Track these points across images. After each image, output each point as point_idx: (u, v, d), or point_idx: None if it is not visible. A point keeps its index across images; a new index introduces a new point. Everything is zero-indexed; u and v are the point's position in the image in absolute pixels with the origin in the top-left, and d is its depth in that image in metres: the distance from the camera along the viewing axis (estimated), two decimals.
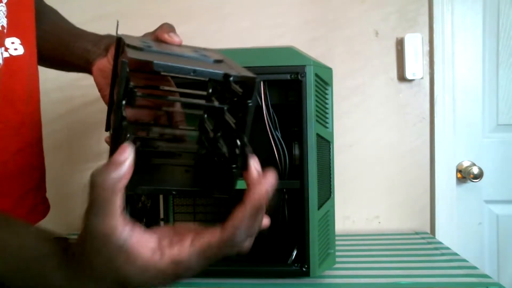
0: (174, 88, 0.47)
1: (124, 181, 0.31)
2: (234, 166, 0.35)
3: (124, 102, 0.34)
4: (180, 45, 0.44)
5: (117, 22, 0.40)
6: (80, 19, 0.69)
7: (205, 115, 0.43)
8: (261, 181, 0.32)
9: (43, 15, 0.64)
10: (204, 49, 0.44)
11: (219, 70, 0.34)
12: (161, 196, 0.78)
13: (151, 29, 0.48)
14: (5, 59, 0.49)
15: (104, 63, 0.53)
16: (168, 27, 0.46)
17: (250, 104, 0.34)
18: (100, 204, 0.30)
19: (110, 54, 0.52)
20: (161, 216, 0.80)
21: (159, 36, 0.44)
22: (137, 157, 0.33)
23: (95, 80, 0.55)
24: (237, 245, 0.32)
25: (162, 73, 0.33)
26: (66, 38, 0.63)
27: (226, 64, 0.38)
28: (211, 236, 0.32)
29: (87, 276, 0.32)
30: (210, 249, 0.32)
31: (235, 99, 0.37)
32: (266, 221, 0.36)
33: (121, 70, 0.33)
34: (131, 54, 0.34)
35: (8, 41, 0.50)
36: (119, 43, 0.42)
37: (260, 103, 0.74)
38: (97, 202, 0.31)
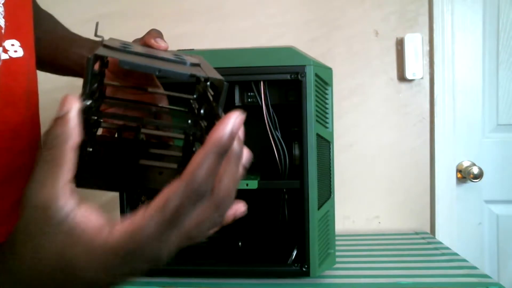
0: (154, 89, 0.47)
1: (74, 139, 0.26)
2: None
3: (90, 102, 0.32)
4: (165, 51, 0.44)
5: (97, 23, 0.40)
6: (80, 19, 0.69)
7: (189, 121, 0.43)
8: (224, 120, 0.26)
9: (39, 19, 0.64)
10: (188, 53, 0.44)
11: (185, 71, 0.33)
12: None
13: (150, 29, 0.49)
14: (4, 61, 0.49)
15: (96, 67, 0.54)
16: (155, 33, 0.47)
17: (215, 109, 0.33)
18: (41, 165, 0.26)
19: None
20: None
21: (146, 41, 0.45)
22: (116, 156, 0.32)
23: None
24: (200, 192, 0.25)
25: (127, 68, 0.32)
26: (61, 44, 0.63)
27: (201, 67, 0.38)
28: (168, 189, 0.25)
29: (26, 263, 0.27)
30: (171, 204, 0.25)
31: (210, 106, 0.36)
32: (241, 207, 0.30)
33: (86, 66, 0.31)
34: (99, 51, 0.33)
35: (8, 43, 0.50)
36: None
37: (260, 103, 0.74)
38: (38, 164, 0.26)
